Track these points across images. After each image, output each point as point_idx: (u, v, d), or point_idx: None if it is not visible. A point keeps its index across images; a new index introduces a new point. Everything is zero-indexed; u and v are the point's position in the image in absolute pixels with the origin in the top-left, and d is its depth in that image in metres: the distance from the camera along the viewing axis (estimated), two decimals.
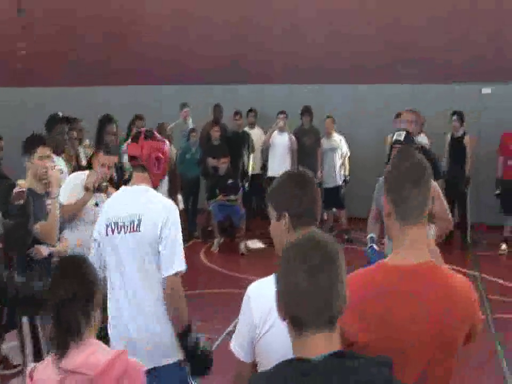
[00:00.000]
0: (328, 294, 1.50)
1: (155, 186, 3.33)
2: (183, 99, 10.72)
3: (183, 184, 8.98)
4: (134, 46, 12.02)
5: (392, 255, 1.99)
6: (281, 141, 9.48)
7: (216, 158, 9.41)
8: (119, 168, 6.28)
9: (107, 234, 3.19)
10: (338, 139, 9.78)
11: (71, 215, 4.53)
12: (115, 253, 3.16)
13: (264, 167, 10.35)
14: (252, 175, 10.17)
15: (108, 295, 3.18)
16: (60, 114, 6.01)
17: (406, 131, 4.75)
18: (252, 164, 10.17)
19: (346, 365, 1.46)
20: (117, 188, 3.84)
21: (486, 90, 10.32)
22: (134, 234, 3.11)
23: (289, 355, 1.54)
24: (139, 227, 3.10)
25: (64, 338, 2.06)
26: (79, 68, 11.97)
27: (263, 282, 2.15)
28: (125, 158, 5.38)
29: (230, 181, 9.26)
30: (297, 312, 1.51)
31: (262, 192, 10.63)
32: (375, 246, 4.48)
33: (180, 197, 8.61)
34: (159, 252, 3.06)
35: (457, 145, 9.35)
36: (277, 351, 1.95)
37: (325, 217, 10.09)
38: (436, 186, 4.16)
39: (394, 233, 2.00)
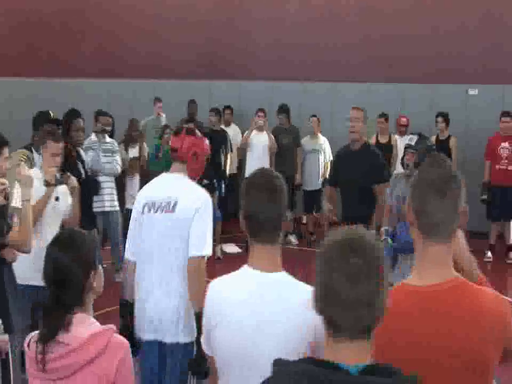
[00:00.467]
0: (367, 303, 1.45)
1: (192, 178, 3.56)
2: (157, 94, 10.22)
3: None
4: (107, 38, 11.49)
5: (413, 274, 1.89)
6: (260, 141, 8.96)
7: None
8: (81, 162, 5.86)
9: (143, 213, 3.42)
10: (322, 140, 9.29)
11: (37, 216, 4.28)
12: (150, 231, 3.37)
13: (240, 167, 9.90)
14: (229, 175, 9.72)
15: (138, 271, 3.41)
16: (51, 114, 5.80)
17: (418, 135, 4.75)
18: (229, 164, 9.71)
19: (377, 382, 1.41)
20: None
21: (473, 91, 10.02)
22: (169, 215, 3.33)
23: (238, 355, 1.66)
24: (174, 208, 3.32)
25: (56, 317, 2.06)
26: (44, 59, 11.39)
27: (222, 279, 2.19)
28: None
29: (205, 181, 8.73)
30: (334, 316, 1.47)
31: (237, 193, 10.20)
32: (389, 240, 4.49)
33: None
34: (189, 235, 3.25)
35: (442, 148, 9.02)
36: (224, 349, 2.07)
37: (304, 220, 9.69)
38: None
39: (417, 246, 1.89)
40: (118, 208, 7.22)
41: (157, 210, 3.38)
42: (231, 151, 9.79)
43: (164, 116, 9.90)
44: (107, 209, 7.07)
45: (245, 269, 2.18)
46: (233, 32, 11.07)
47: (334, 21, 10.71)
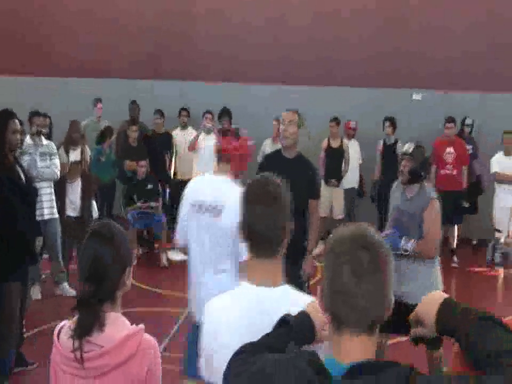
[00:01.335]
0: (373, 299, 1.46)
1: (235, 176, 3.65)
2: (95, 94, 9.78)
3: (98, 189, 8.03)
4: (43, 35, 10.94)
5: None
6: (208, 145, 8.65)
7: (134, 160, 8.55)
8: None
9: (192, 214, 3.57)
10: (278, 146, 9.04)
11: None
12: (197, 232, 3.54)
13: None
14: (181, 180, 9.35)
15: (189, 270, 3.64)
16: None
17: (416, 143, 4.63)
18: (173, 168, 9.41)
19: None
20: None
21: (417, 96, 10.09)
22: (215, 219, 3.46)
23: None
24: (221, 213, 3.44)
25: (89, 316, 2.05)
26: None
27: (220, 298, 2.07)
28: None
29: (149, 186, 8.43)
30: (340, 311, 1.48)
31: None
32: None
33: (94, 203, 7.66)
34: (231, 239, 3.31)
35: (389, 152, 9.04)
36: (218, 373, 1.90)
37: None
38: (436, 207, 4.37)
39: None
40: (57, 216, 6.77)
41: (204, 212, 3.53)
42: (176, 154, 9.50)
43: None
44: (46, 217, 6.62)
45: (244, 286, 2.02)
46: (177, 31, 10.75)
47: (282, 20, 10.56)
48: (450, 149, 8.81)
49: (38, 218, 6.40)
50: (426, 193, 4.43)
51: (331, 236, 1.55)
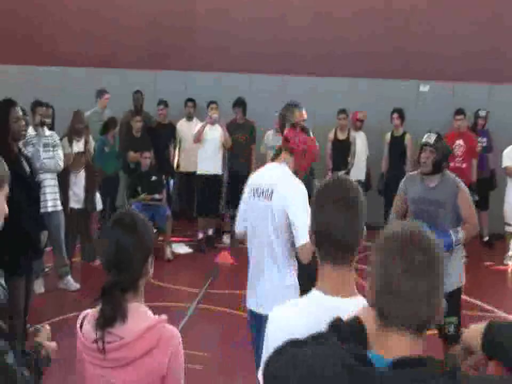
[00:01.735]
0: (425, 300, 1.44)
1: (296, 171, 3.70)
2: (94, 83, 9.62)
3: (101, 181, 7.89)
4: (39, 25, 10.78)
5: None
6: (213, 136, 8.50)
7: (138, 151, 8.41)
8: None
9: (249, 199, 3.71)
10: None
11: None
12: (254, 215, 3.66)
13: None
14: (187, 173, 9.20)
15: (248, 258, 3.76)
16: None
17: (437, 133, 4.55)
18: (177, 160, 9.27)
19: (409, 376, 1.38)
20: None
21: (424, 88, 9.93)
22: (267, 202, 3.58)
23: None
24: (271, 196, 3.56)
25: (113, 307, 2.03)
26: None
27: (287, 307, 1.94)
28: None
29: (153, 178, 8.29)
30: (388, 309, 1.46)
31: (192, 191, 9.74)
32: None
33: (98, 195, 7.53)
34: (284, 223, 3.50)
35: (397, 145, 8.90)
36: None
37: None
38: (466, 190, 4.48)
39: None
40: (60, 208, 6.63)
41: (259, 195, 3.65)
42: (179, 145, 9.35)
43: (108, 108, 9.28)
44: (50, 209, 6.48)
45: (315, 295, 1.90)
46: (179, 21, 10.58)
47: (284, 15, 10.40)
48: (460, 141, 8.67)
49: (42, 210, 6.27)
50: (450, 179, 4.47)
51: (382, 231, 1.52)
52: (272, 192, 3.57)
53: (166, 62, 10.44)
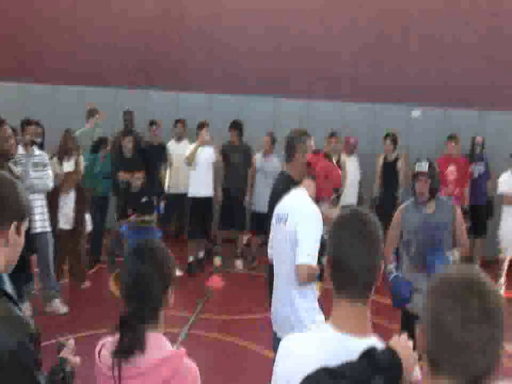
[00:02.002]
0: (483, 351, 1.35)
1: (317, 198, 3.78)
2: (85, 102, 9.50)
3: (91, 201, 7.74)
4: (29, 42, 10.68)
5: None
6: (205, 157, 8.39)
7: (129, 172, 8.28)
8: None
9: (273, 226, 3.84)
10: (276, 162, 8.56)
11: None
12: (276, 241, 3.81)
13: None
14: (176, 194, 9.09)
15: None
16: None
17: (427, 160, 4.64)
18: (168, 181, 9.14)
19: None
20: None
21: (415, 113, 9.95)
22: (284, 227, 3.67)
23: None
24: (286, 221, 3.66)
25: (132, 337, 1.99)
26: None
27: (298, 339, 1.88)
28: None
29: (144, 199, 8.15)
30: (442, 358, 1.38)
31: (182, 213, 9.60)
32: (400, 275, 4.52)
33: (87, 216, 7.38)
34: (296, 247, 3.57)
35: (389, 169, 8.86)
36: None
37: (244, 241, 9.15)
38: (459, 211, 4.65)
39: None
40: (49, 229, 6.47)
41: (279, 222, 3.75)
42: (170, 166, 9.24)
43: (99, 127, 9.16)
44: (38, 230, 6.32)
45: (327, 329, 1.82)
46: (171, 40, 10.53)
47: (281, 30, 10.40)
48: (452, 167, 8.67)
49: (30, 231, 6.12)
50: (445, 202, 4.63)
51: (436, 275, 1.46)
52: (287, 217, 3.66)
53: (157, 81, 10.37)
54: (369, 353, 1.62)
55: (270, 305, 3.93)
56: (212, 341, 6.17)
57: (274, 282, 3.85)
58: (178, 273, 8.30)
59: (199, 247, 8.59)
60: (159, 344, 2.03)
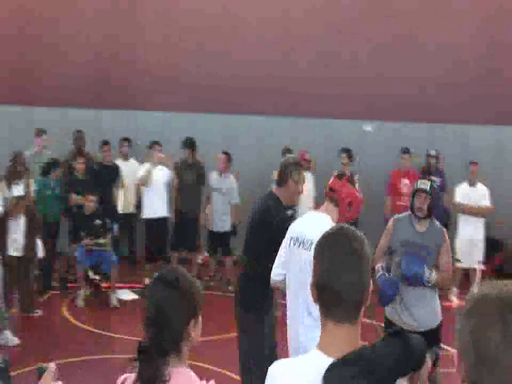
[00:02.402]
0: None
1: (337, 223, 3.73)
2: (32, 123, 9.20)
3: (43, 226, 7.45)
4: None
5: None
6: (159, 177, 8.24)
7: (81, 194, 8.03)
8: None
9: (289, 245, 3.77)
10: (233, 181, 8.50)
11: None
12: (293, 264, 3.72)
13: (139, 206, 9.14)
14: (124, 214, 8.90)
15: (287, 296, 3.85)
16: None
17: (429, 179, 4.92)
18: (122, 202, 8.93)
19: None
20: None
21: (367, 127, 10.05)
22: (307, 253, 3.52)
23: None
24: (310, 247, 3.50)
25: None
26: None
27: (285, 365, 1.81)
28: None
29: (97, 222, 7.92)
30: (484, 382, 1.30)
31: (133, 234, 9.40)
32: (386, 274, 4.59)
33: (39, 242, 7.10)
34: None
35: None
36: None
37: (199, 260, 8.95)
38: (448, 241, 4.70)
39: None
40: None
41: (299, 245, 3.68)
42: (122, 186, 9.02)
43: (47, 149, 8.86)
44: None
45: (315, 355, 1.72)
46: (125, 58, 10.35)
47: (227, 50, 10.36)
48: (405, 180, 8.76)
49: None
50: (438, 227, 4.70)
51: (472, 293, 1.38)
52: (311, 244, 3.51)
53: (108, 100, 10.15)
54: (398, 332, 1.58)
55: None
56: None
57: (289, 305, 3.77)
58: (133, 296, 8.09)
59: (155, 268, 8.40)
60: (184, 379, 1.91)
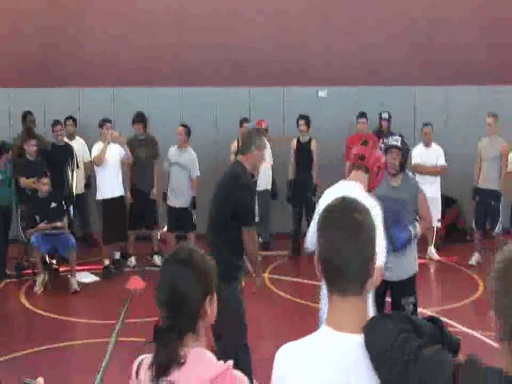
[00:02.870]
0: None
1: (369, 189, 3.81)
2: None
3: None
4: None
5: None
6: (113, 155, 7.99)
7: (33, 177, 7.76)
8: None
9: None
10: (192, 154, 8.25)
11: None
12: None
13: (88, 185, 8.93)
14: (76, 195, 8.70)
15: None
16: None
17: (400, 135, 5.02)
18: (76, 182, 8.69)
19: None
20: None
21: (322, 93, 9.97)
22: None
23: None
24: None
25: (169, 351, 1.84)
26: None
27: (294, 346, 1.77)
28: None
29: (53, 205, 7.68)
30: None
31: (86, 215, 9.19)
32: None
33: None
34: None
35: (303, 151, 8.84)
36: None
37: (158, 236, 8.74)
38: (424, 191, 4.96)
39: None
40: None
41: None
42: (77, 167, 8.77)
43: None
44: None
45: (323, 331, 1.72)
46: (67, 33, 9.97)
47: (183, 22, 10.10)
48: None
49: None
50: (412, 180, 4.92)
51: (499, 256, 1.40)
52: None
53: (54, 78, 9.80)
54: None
55: None
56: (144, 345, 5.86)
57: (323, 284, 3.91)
58: (93, 278, 7.92)
59: (114, 248, 8.26)
60: (203, 360, 1.87)
